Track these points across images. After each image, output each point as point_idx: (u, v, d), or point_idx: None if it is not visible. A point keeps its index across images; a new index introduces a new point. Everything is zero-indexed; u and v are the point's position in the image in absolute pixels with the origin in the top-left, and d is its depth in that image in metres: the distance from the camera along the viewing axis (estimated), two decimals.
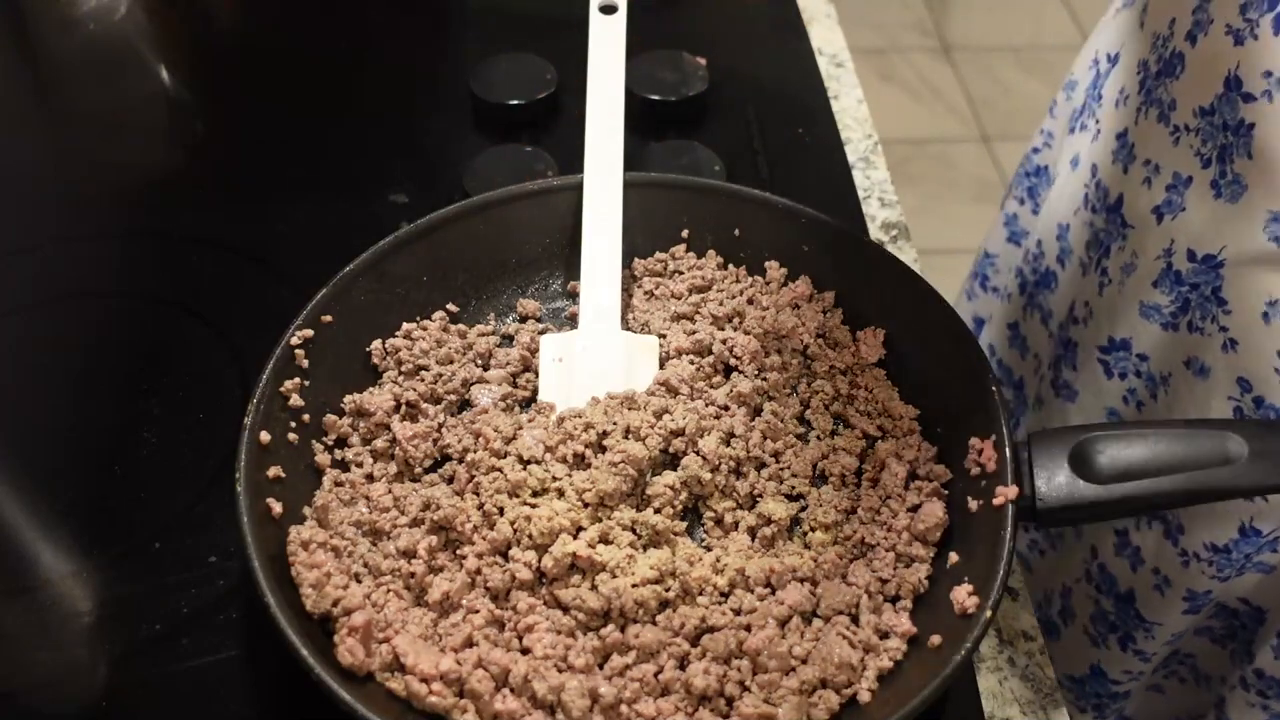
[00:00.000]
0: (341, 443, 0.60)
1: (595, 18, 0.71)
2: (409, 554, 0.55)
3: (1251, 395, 0.62)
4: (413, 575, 0.54)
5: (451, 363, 0.63)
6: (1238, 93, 0.59)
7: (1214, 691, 0.74)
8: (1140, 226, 0.68)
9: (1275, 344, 0.60)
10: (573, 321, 0.67)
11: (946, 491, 0.58)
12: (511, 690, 0.50)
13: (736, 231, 0.69)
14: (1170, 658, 0.76)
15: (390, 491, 0.57)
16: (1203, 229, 0.62)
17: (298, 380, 0.59)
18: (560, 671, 0.50)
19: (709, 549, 0.57)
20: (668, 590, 0.54)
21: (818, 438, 0.62)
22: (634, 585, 0.53)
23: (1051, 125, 0.84)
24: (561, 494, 0.56)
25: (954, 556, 0.55)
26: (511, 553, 0.54)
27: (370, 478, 0.59)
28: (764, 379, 0.62)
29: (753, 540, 0.57)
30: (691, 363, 0.63)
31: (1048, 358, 0.80)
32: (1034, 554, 0.82)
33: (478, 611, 0.53)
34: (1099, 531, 0.73)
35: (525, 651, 0.52)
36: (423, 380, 0.62)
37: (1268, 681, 0.68)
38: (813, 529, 0.58)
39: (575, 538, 0.54)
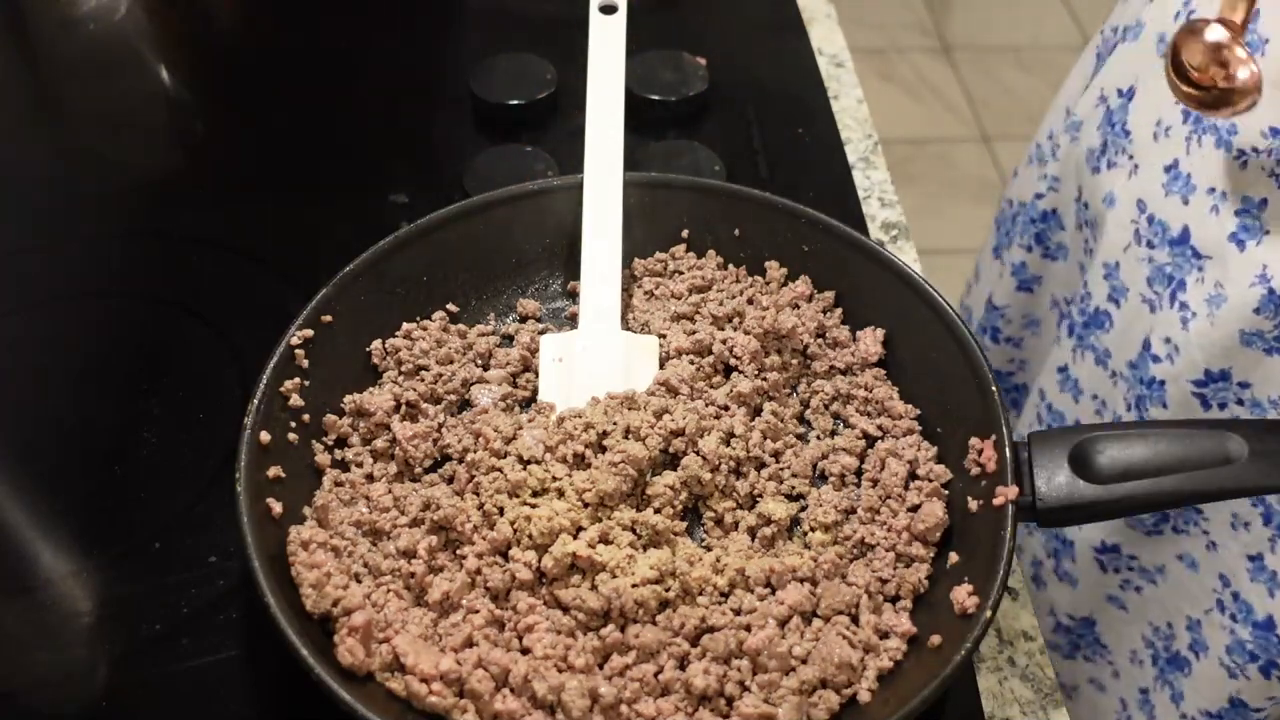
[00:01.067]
0: (341, 443, 0.60)
1: (595, 18, 0.71)
2: (409, 554, 0.55)
3: None
4: (413, 575, 0.54)
5: (451, 363, 0.63)
6: None
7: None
8: (1218, 256, 0.66)
9: None
10: (573, 321, 0.67)
11: (946, 491, 0.58)
12: (511, 690, 0.50)
13: (736, 231, 0.69)
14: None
15: (390, 491, 0.57)
16: None
17: (298, 380, 0.59)
18: (560, 671, 0.50)
19: (709, 549, 0.57)
20: (668, 590, 0.54)
21: (818, 438, 0.62)
22: (634, 585, 0.53)
23: (1056, 169, 0.82)
24: (561, 494, 0.56)
25: (954, 556, 0.55)
26: (511, 553, 0.54)
27: (370, 478, 0.59)
28: (764, 379, 0.62)
29: (753, 540, 0.57)
30: (691, 363, 0.63)
31: (1116, 398, 0.77)
32: (1130, 591, 0.80)
33: (478, 611, 0.53)
34: (1230, 558, 0.71)
35: (525, 651, 0.52)
36: (423, 380, 0.62)
37: (1240, 604, 0.67)
38: (812, 529, 0.58)
39: (575, 538, 0.54)
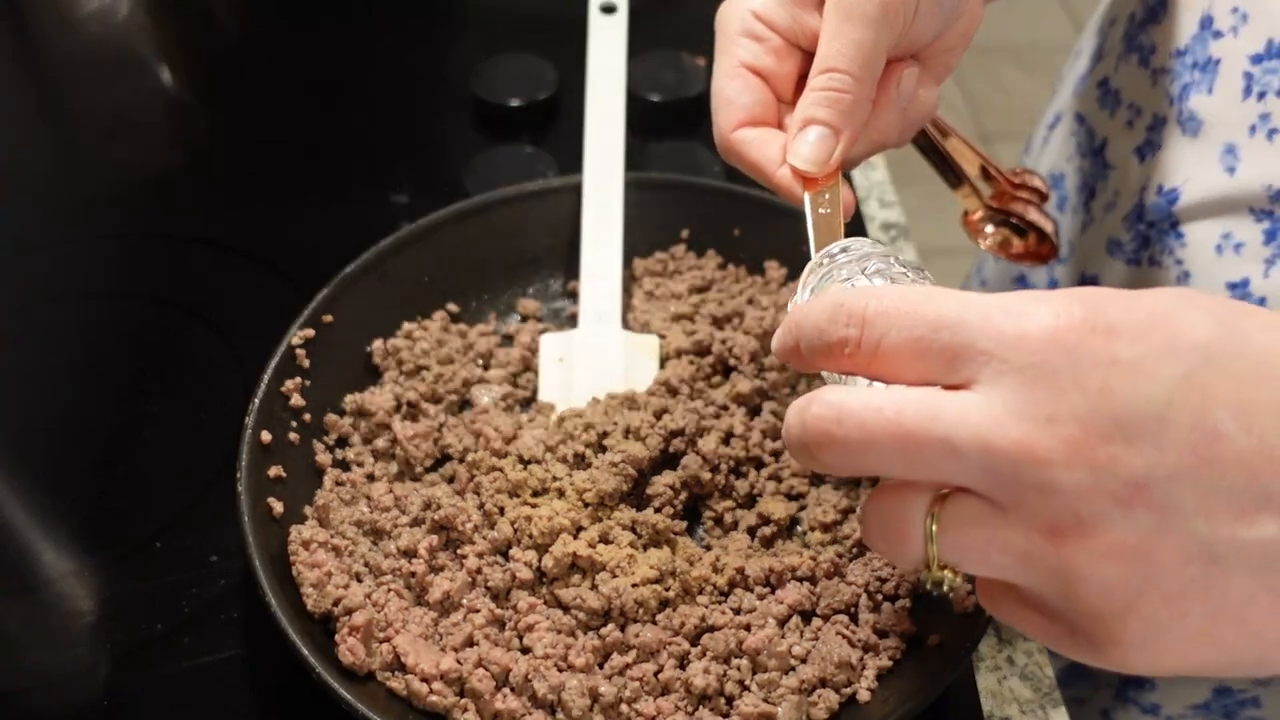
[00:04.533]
0: (342, 442, 0.60)
1: (595, 18, 0.71)
2: (410, 553, 0.55)
3: None
4: (413, 575, 0.54)
5: (452, 362, 0.63)
6: (1209, 30, 0.61)
7: None
8: (1121, 167, 0.69)
9: (1225, 276, 0.61)
10: (573, 321, 0.67)
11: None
12: (512, 689, 0.50)
13: (736, 231, 0.69)
14: None
15: (391, 491, 0.57)
16: (1171, 165, 0.64)
17: (299, 380, 0.59)
18: (560, 671, 0.50)
19: (709, 548, 0.57)
20: (668, 590, 0.54)
21: None
22: (634, 585, 0.53)
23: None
24: (562, 494, 0.56)
25: None
26: (512, 552, 0.54)
27: (371, 477, 0.59)
28: (764, 379, 0.62)
29: (752, 540, 0.57)
30: (691, 363, 0.63)
31: None
32: None
33: (478, 611, 0.53)
34: None
35: (525, 651, 0.52)
36: (423, 380, 0.62)
37: None
38: (812, 528, 0.58)
39: (575, 537, 0.54)
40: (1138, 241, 0.67)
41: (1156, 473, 0.32)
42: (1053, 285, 0.78)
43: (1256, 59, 0.58)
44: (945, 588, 0.36)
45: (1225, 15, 0.60)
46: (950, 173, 0.62)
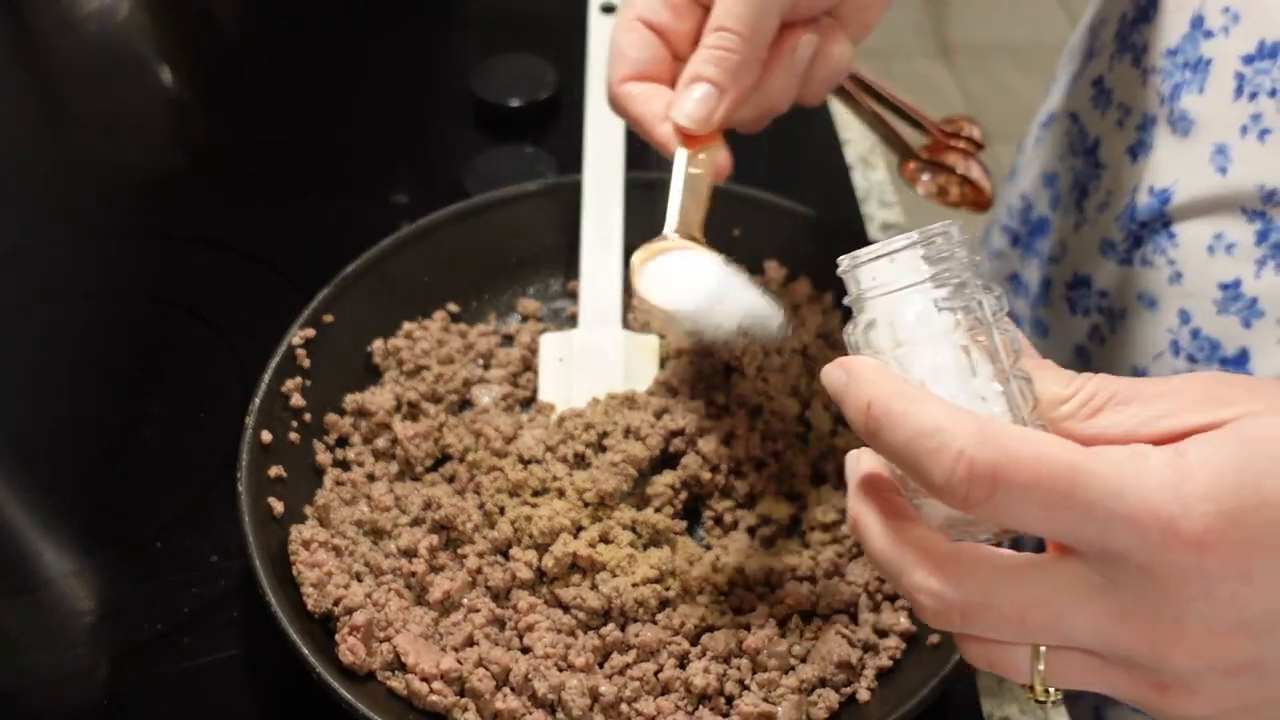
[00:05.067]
0: (343, 442, 0.60)
1: (595, 18, 0.71)
2: (410, 553, 0.55)
3: (1189, 326, 0.63)
4: (414, 574, 0.54)
5: (452, 362, 0.63)
6: (1200, 30, 0.61)
7: None
8: (1114, 166, 0.69)
9: (1217, 276, 0.61)
10: (573, 321, 0.67)
11: None
12: (512, 689, 0.50)
13: (736, 231, 0.69)
14: None
15: (391, 491, 0.58)
16: (1163, 165, 0.64)
17: (299, 380, 0.59)
18: (561, 670, 0.50)
19: (709, 548, 0.57)
20: (668, 589, 0.54)
21: (817, 438, 0.62)
22: (634, 584, 0.53)
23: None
24: (562, 493, 0.56)
25: None
26: (512, 552, 0.54)
27: (371, 477, 0.59)
28: (764, 379, 0.62)
29: (752, 540, 0.57)
30: (691, 363, 0.63)
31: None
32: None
33: (478, 610, 0.53)
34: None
35: (526, 650, 0.52)
36: (424, 380, 0.62)
37: None
38: (812, 528, 0.58)
39: (575, 537, 0.54)
40: (1130, 241, 0.67)
41: (1267, 654, 0.33)
42: (1045, 285, 0.77)
43: (1248, 59, 0.58)
44: (1050, 703, 0.37)
45: (1216, 15, 0.60)
46: (877, 127, 0.61)
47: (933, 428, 0.33)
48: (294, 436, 0.58)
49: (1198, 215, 0.62)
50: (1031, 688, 0.36)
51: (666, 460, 0.59)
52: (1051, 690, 0.36)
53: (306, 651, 0.49)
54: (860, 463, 0.39)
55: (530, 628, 0.52)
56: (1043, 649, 0.35)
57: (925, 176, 0.61)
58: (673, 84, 0.54)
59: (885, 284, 0.37)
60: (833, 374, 0.37)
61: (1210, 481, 0.32)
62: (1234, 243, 0.60)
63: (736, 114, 0.53)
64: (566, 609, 0.53)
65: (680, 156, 0.52)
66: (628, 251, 0.67)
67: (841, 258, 0.37)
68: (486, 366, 0.64)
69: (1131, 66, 0.68)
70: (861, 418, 0.35)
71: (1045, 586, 0.34)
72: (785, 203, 0.68)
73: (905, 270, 0.36)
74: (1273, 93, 0.58)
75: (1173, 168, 0.63)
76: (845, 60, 0.55)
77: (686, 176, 0.52)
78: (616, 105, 0.54)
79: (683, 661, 0.52)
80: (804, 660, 0.52)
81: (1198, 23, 0.61)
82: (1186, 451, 0.32)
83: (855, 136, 0.84)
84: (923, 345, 0.36)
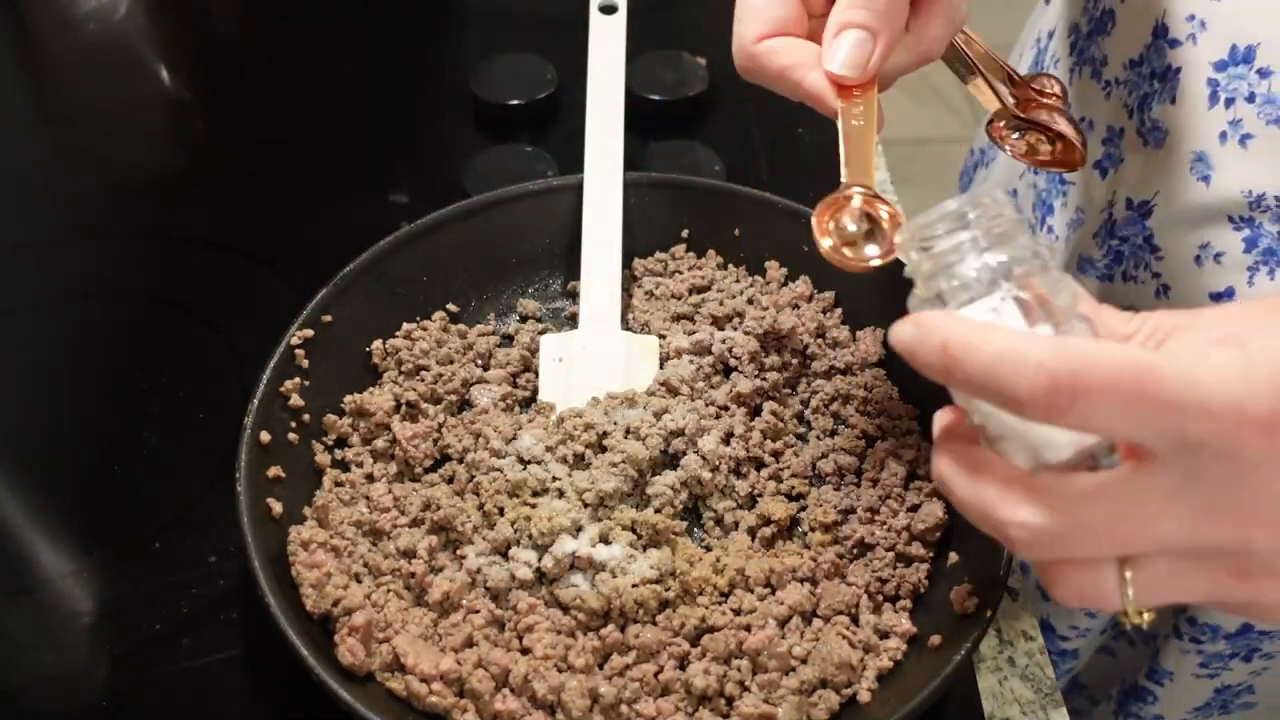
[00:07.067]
0: (342, 443, 0.60)
1: (595, 18, 0.71)
2: (409, 554, 0.55)
3: None
4: (413, 575, 0.54)
5: (451, 363, 0.63)
6: (1164, 39, 0.60)
7: (1152, 646, 0.74)
8: (1081, 182, 0.69)
9: (1207, 286, 0.61)
10: (573, 321, 0.67)
11: None
12: (511, 690, 0.50)
13: (736, 231, 0.69)
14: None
15: (390, 491, 0.57)
16: (1138, 178, 0.64)
17: (298, 380, 0.59)
18: (560, 671, 0.50)
19: (709, 549, 0.57)
20: (668, 590, 0.54)
21: (817, 438, 0.62)
22: (634, 585, 0.53)
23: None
24: (561, 494, 0.56)
25: (954, 556, 0.55)
26: (511, 552, 0.54)
27: (370, 478, 0.59)
28: (764, 379, 0.62)
29: (752, 540, 0.57)
30: (691, 363, 0.63)
31: None
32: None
33: (478, 611, 0.53)
34: None
35: (525, 651, 0.52)
36: (423, 380, 0.62)
37: (1200, 628, 0.68)
38: (812, 529, 0.58)
39: (575, 537, 0.54)
40: (1110, 257, 0.66)
41: None
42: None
43: (1220, 65, 0.58)
44: (1144, 625, 0.38)
45: (1181, 24, 0.59)
46: (973, 77, 0.60)
47: (1009, 349, 0.35)
48: (293, 437, 0.58)
49: (1181, 226, 0.61)
50: (1125, 613, 0.37)
51: (666, 460, 0.59)
52: (1145, 614, 0.37)
53: (305, 652, 0.49)
54: (939, 420, 0.41)
55: (530, 629, 0.52)
56: (1129, 574, 0.36)
57: (1015, 135, 0.60)
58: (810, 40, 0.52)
59: (942, 249, 0.40)
60: (903, 329, 0.38)
61: (1273, 367, 0.34)
62: (1222, 251, 0.60)
63: (891, 61, 0.51)
64: (566, 610, 0.53)
65: (840, 112, 0.50)
66: (628, 252, 0.67)
67: (899, 231, 0.41)
68: (486, 367, 0.64)
69: (1091, 80, 0.67)
70: (938, 357, 0.36)
71: (1130, 493, 0.35)
72: (785, 203, 0.68)
73: (959, 232, 0.39)
74: (1250, 97, 0.57)
75: (1150, 180, 0.63)
76: (966, 5, 0.53)
77: (848, 129, 0.50)
78: (753, 64, 0.51)
79: (683, 662, 0.52)
80: (804, 661, 0.52)
81: (1161, 32, 0.61)
82: (1247, 344, 0.34)
83: None
84: (980, 300, 0.39)
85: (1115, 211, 0.65)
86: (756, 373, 0.63)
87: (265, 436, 0.56)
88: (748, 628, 0.53)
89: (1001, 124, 0.60)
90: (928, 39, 0.51)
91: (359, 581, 0.54)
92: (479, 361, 0.64)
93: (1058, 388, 0.34)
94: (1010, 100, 0.60)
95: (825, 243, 0.50)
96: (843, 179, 0.51)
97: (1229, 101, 0.58)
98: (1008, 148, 0.60)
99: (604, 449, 0.58)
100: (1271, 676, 0.70)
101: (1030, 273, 0.39)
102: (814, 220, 0.50)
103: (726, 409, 0.61)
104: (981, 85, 0.60)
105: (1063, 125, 0.59)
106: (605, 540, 0.55)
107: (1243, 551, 0.35)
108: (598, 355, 0.63)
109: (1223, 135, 0.58)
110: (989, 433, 0.39)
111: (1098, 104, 0.67)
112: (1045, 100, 0.60)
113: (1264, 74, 0.56)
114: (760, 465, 0.60)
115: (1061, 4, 0.74)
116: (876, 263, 0.49)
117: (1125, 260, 0.65)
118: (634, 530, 0.56)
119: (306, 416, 0.59)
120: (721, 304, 0.66)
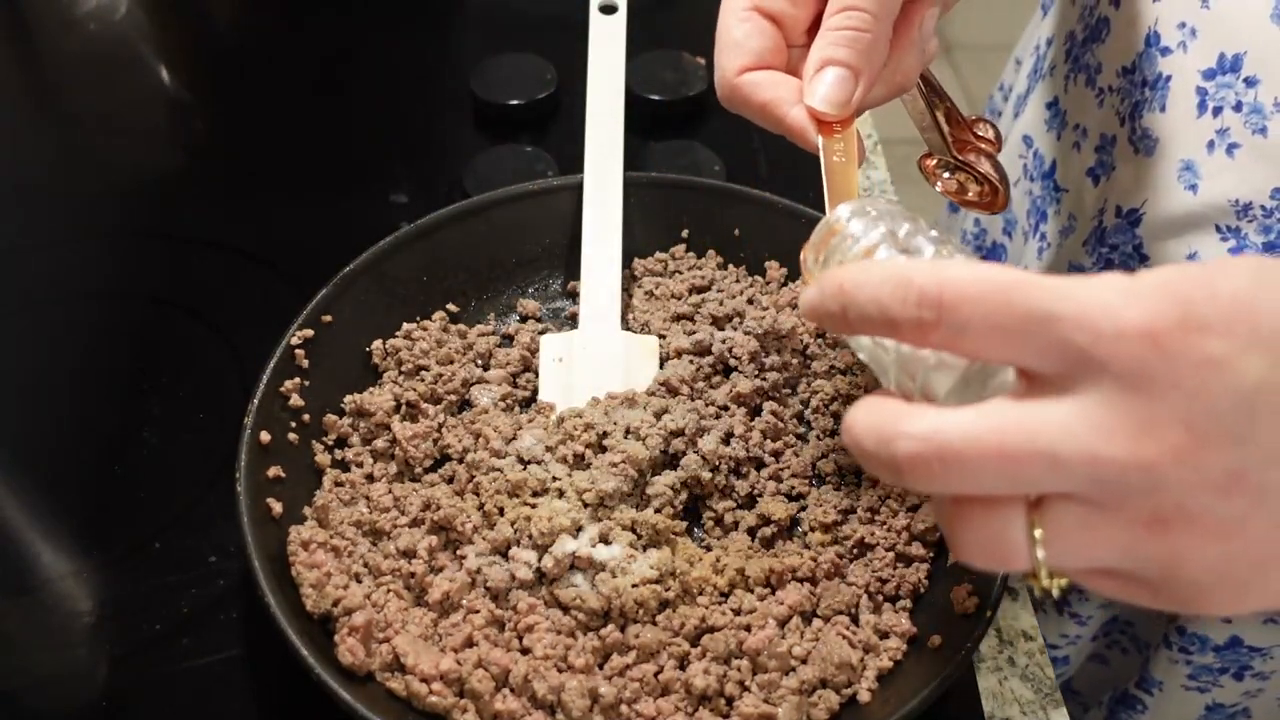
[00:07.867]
0: (342, 443, 0.60)
1: (595, 18, 0.71)
2: (409, 554, 0.55)
3: None
4: (413, 575, 0.54)
5: (451, 363, 0.63)
6: (1156, 47, 0.60)
7: (1144, 655, 0.74)
8: (1075, 190, 0.69)
9: None
10: (573, 321, 0.67)
11: None
12: (511, 690, 0.50)
13: (736, 231, 0.69)
14: (1110, 625, 0.75)
15: (390, 491, 0.57)
16: (1129, 186, 0.64)
17: (298, 380, 0.59)
18: (560, 671, 0.50)
19: (709, 549, 0.57)
20: (668, 590, 0.54)
21: (817, 438, 0.62)
22: (634, 585, 0.53)
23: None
24: (561, 494, 0.56)
25: (954, 556, 0.55)
26: (511, 552, 0.54)
27: (370, 478, 0.59)
28: (764, 379, 0.62)
29: (752, 540, 0.57)
30: (691, 363, 0.63)
31: None
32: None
33: (478, 611, 0.53)
34: None
35: (525, 651, 0.52)
36: (423, 380, 0.62)
37: (1189, 638, 0.68)
38: (812, 529, 0.58)
39: (575, 538, 0.54)
40: (1101, 265, 0.66)
41: (1250, 460, 0.33)
42: None
43: (1209, 74, 0.58)
44: (1055, 593, 0.36)
45: (1172, 31, 0.59)
46: (925, 116, 0.61)
47: (892, 272, 0.36)
48: (293, 437, 0.58)
49: (1170, 234, 0.61)
50: (1035, 576, 0.35)
51: (666, 460, 0.59)
52: (1056, 580, 0.36)
53: (305, 652, 0.49)
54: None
55: (530, 629, 0.52)
56: (1038, 532, 0.34)
57: (946, 174, 0.61)
58: (789, 73, 0.52)
59: (843, 234, 0.45)
60: (805, 292, 0.39)
61: (1156, 279, 0.33)
62: (1209, 259, 0.60)
63: (869, 95, 0.51)
64: (566, 610, 0.53)
65: (822, 147, 0.51)
66: (628, 252, 0.67)
67: (806, 248, 0.47)
68: (486, 367, 0.64)
69: (1085, 87, 0.67)
70: (836, 301, 0.37)
71: (1020, 414, 0.34)
72: (785, 203, 0.68)
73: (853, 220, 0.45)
74: (1237, 106, 0.57)
75: (1139, 188, 0.62)
76: (936, 41, 0.54)
77: (830, 165, 0.51)
78: (735, 97, 0.52)
79: (683, 662, 0.52)
80: (804, 661, 0.52)
81: (1153, 40, 0.61)
82: (1138, 274, 0.33)
83: None
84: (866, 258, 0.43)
85: (1106, 219, 0.65)
86: (756, 373, 0.63)
87: (265, 436, 0.56)
88: (748, 628, 0.53)
89: (933, 162, 0.61)
90: (902, 71, 0.52)
91: (359, 581, 0.54)
92: (479, 361, 0.64)
93: (925, 301, 0.34)
94: (950, 139, 0.60)
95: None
96: (827, 212, 0.51)
97: (1216, 110, 0.58)
98: (938, 185, 0.61)
99: (604, 449, 0.58)
100: (1266, 700, 0.69)
101: (911, 234, 0.43)
102: (805, 259, 0.50)
103: (726, 409, 0.61)
104: (932, 122, 0.61)
105: (986, 168, 0.60)
106: (605, 540, 0.55)
107: (1151, 486, 0.33)
108: (598, 355, 0.63)
109: (1210, 144, 0.58)
110: (904, 386, 0.40)
111: (1091, 111, 0.67)
112: (979, 144, 0.61)
113: (1250, 83, 0.56)
114: (760, 465, 0.60)
115: (1058, 11, 0.74)
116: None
117: (1115, 268, 0.65)
118: (634, 530, 0.56)
119: (306, 416, 0.59)
120: (721, 304, 0.66)
